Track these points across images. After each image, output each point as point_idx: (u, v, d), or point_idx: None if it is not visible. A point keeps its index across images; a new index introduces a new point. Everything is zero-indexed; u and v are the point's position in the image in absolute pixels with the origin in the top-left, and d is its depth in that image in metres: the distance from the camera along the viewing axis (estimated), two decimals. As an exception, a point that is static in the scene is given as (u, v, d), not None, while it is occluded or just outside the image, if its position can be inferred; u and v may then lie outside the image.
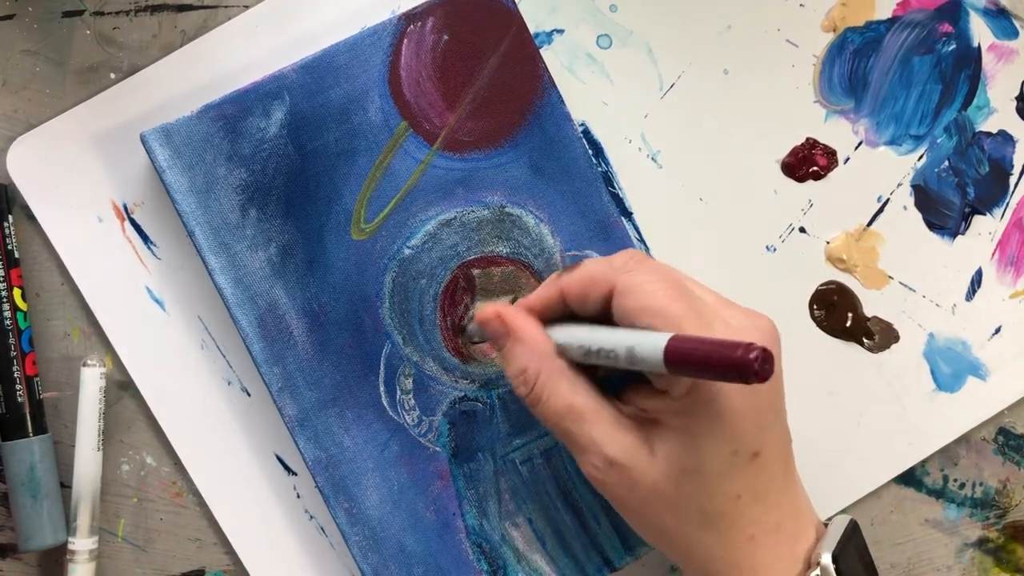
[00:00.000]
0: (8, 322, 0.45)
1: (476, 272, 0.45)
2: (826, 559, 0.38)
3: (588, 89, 0.47)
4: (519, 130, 0.45)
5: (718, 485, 0.37)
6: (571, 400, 0.39)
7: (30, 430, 0.45)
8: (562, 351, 0.39)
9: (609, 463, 0.38)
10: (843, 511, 0.48)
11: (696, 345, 0.34)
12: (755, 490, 0.38)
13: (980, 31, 0.48)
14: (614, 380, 0.40)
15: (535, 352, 0.39)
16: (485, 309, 0.41)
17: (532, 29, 0.46)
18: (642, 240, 0.48)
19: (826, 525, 0.41)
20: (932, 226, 0.49)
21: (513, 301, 0.45)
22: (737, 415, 0.36)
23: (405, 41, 0.45)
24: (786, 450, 0.39)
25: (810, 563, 0.39)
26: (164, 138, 0.43)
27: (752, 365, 0.32)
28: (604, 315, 0.39)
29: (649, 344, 0.35)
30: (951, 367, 0.48)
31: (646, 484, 0.38)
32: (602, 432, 0.38)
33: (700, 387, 0.36)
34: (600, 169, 0.47)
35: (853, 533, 0.40)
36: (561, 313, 0.41)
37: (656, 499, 0.38)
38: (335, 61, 0.44)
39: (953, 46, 0.48)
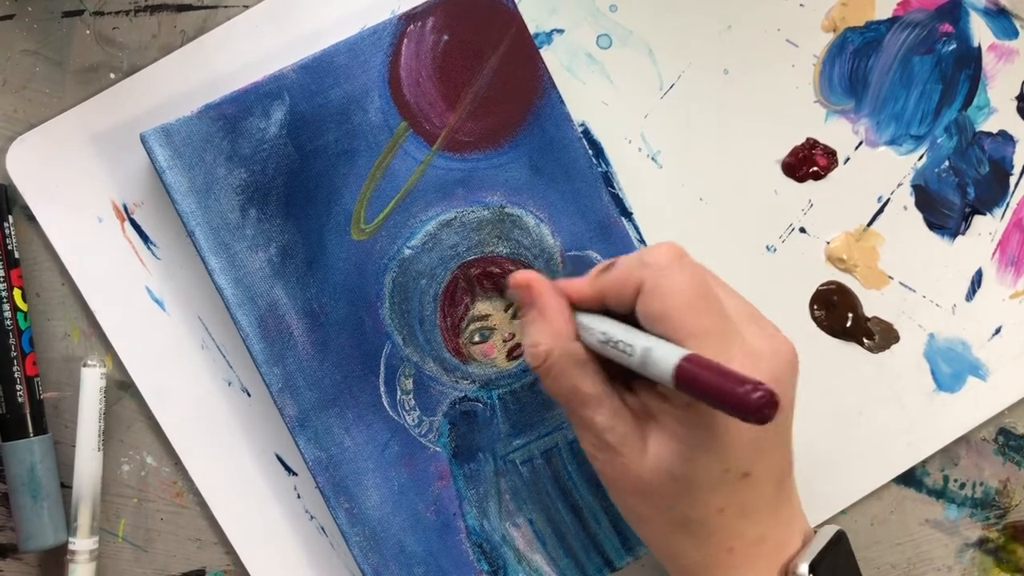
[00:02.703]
0: (8, 322, 0.45)
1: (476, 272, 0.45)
2: (803, 569, 0.38)
3: (588, 89, 0.47)
4: (519, 130, 0.45)
5: (703, 497, 0.37)
6: (578, 384, 0.39)
7: (30, 430, 0.45)
8: (582, 334, 0.39)
9: (604, 445, 0.38)
10: (843, 511, 0.48)
11: (705, 372, 0.33)
12: (741, 506, 0.38)
13: (980, 31, 0.48)
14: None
15: (553, 330, 0.39)
16: (519, 274, 0.41)
17: (532, 29, 0.46)
18: (642, 240, 0.48)
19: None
20: (932, 226, 0.49)
21: (511, 305, 0.45)
22: (734, 437, 0.36)
23: (405, 41, 0.45)
24: (783, 471, 0.39)
25: (787, 574, 0.38)
26: (164, 138, 0.43)
27: (753, 406, 0.31)
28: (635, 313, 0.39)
29: (663, 357, 0.35)
30: (951, 367, 0.48)
31: (634, 474, 0.38)
32: (603, 418, 0.38)
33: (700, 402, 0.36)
34: (600, 169, 0.47)
35: (837, 543, 0.40)
36: (596, 309, 0.40)
37: (642, 490, 0.38)
38: (335, 61, 0.44)
39: (953, 46, 0.48)
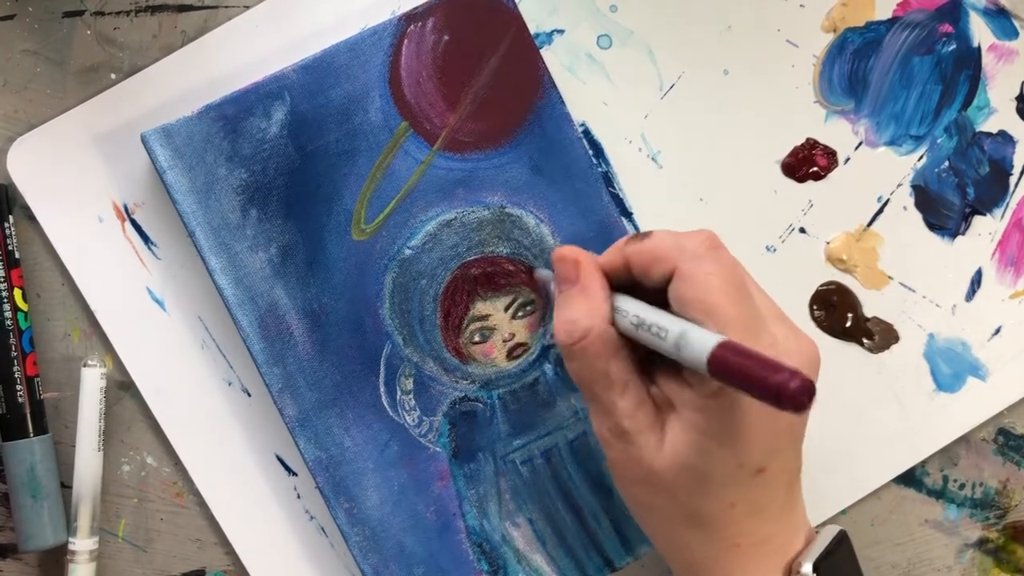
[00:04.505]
0: (9, 322, 0.45)
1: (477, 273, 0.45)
2: (807, 568, 0.38)
3: (588, 89, 0.47)
4: (519, 130, 0.45)
5: (715, 491, 0.37)
6: (608, 367, 0.38)
7: (30, 430, 0.45)
8: (616, 316, 0.39)
9: (621, 432, 0.38)
10: (843, 511, 0.48)
11: (743, 358, 0.33)
12: (752, 503, 0.38)
13: (980, 31, 0.48)
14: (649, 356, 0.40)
15: (592, 309, 0.39)
16: (566, 248, 0.40)
17: (532, 29, 0.46)
18: (642, 240, 0.48)
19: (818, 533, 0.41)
20: (932, 226, 0.49)
21: (512, 302, 0.45)
22: (752, 431, 0.36)
23: (405, 41, 0.45)
24: (793, 472, 0.39)
25: (791, 573, 0.38)
26: (165, 138, 0.43)
27: (790, 393, 0.31)
28: (663, 292, 0.38)
29: (698, 341, 0.35)
30: (951, 367, 0.48)
31: (648, 464, 0.38)
32: (626, 404, 0.38)
33: (724, 393, 0.36)
34: (600, 169, 0.47)
35: (840, 543, 0.40)
36: (624, 281, 0.40)
37: (653, 480, 0.38)
38: (335, 61, 0.44)
39: (953, 46, 0.48)
